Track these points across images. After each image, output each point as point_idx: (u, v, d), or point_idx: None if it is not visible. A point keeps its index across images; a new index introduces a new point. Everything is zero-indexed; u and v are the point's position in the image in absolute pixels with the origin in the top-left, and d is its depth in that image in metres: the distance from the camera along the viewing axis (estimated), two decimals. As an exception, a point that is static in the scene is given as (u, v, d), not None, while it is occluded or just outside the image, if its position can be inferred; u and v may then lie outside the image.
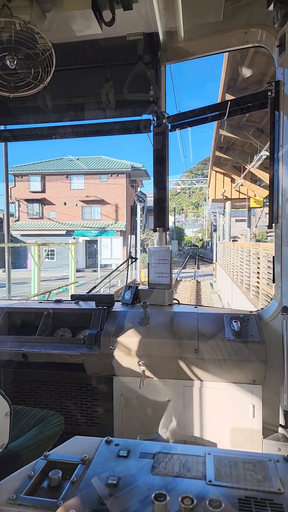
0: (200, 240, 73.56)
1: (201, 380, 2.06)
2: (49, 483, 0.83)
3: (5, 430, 1.44)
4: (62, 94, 2.71)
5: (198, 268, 32.37)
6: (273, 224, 2.13)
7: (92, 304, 2.52)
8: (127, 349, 2.11)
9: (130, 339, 2.13)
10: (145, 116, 2.67)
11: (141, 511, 0.73)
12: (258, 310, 2.29)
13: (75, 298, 2.64)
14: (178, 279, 22.59)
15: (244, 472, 0.84)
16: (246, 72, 8.12)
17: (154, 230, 2.70)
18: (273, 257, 2.19)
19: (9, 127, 3.05)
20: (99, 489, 0.79)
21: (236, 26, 2.19)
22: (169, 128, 2.61)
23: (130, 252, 2.84)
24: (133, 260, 3.04)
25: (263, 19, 2.10)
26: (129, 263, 2.97)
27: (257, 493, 0.78)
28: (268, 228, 2.21)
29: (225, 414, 2.03)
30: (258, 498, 0.76)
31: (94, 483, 0.81)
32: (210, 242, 52.48)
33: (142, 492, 0.78)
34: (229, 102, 2.36)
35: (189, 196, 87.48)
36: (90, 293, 2.97)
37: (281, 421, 2.07)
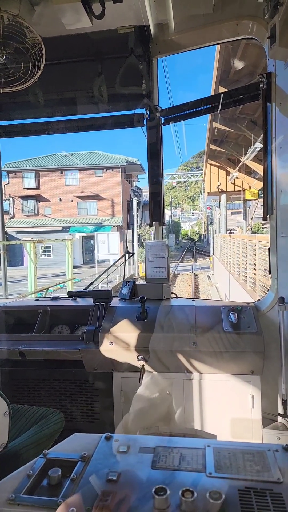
0: (197, 234, 73.52)
1: (200, 373, 2.08)
2: (48, 482, 0.83)
3: (4, 429, 1.44)
4: (54, 89, 2.68)
5: (196, 261, 32.39)
6: (268, 216, 2.14)
7: (89, 301, 2.52)
8: (125, 344, 2.11)
9: (128, 334, 2.13)
10: (138, 110, 2.65)
11: (142, 506, 0.73)
12: (255, 302, 2.30)
13: (72, 294, 2.64)
14: (176, 272, 22.62)
15: (244, 463, 0.85)
16: (239, 64, 8.06)
17: (150, 225, 2.69)
18: (269, 248, 2.20)
19: (0, 123, 3.02)
20: (97, 487, 0.79)
21: (227, 18, 2.17)
22: (163, 121, 2.59)
23: (127, 247, 2.84)
24: (130, 255, 3.04)
25: (254, 10, 2.08)
26: (126, 258, 2.97)
27: (257, 483, 0.78)
28: (263, 220, 2.21)
29: (224, 405, 2.05)
30: (258, 488, 0.77)
31: (92, 481, 0.81)
32: (206, 235, 52.48)
33: (143, 487, 0.78)
34: (222, 95, 2.34)
35: (185, 189, 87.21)
36: (87, 289, 2.97)
37: (280, 410, 2.10)
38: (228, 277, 12.64)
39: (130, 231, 19.70)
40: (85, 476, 0.83)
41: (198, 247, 49.93)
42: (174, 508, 0.71)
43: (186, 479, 0.80)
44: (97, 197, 30.53)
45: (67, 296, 2.71)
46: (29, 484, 0.82)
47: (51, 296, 2.79)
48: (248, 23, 2.12)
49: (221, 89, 9.32)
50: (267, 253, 2.21)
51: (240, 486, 0.78)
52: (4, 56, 1.93)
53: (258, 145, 11.06)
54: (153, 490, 0.74)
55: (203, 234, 64.53)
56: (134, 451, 0.92)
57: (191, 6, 1.99)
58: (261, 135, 10.85)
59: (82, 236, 30.02)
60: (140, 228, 25.53)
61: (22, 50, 1.97)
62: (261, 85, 2.07)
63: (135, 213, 22.25)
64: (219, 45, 6.58)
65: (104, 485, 0.79)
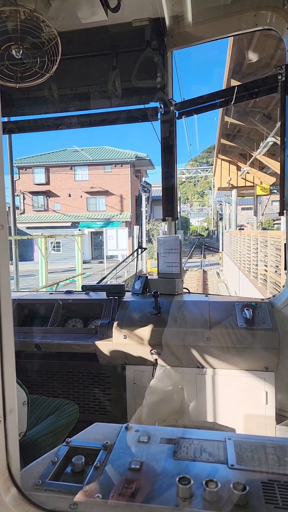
0: (205, 230, 72.99)
1: (214, 368, 2.08)
2: (72, 469, 0.84)
3: (23, 418, 1.47)
4: (67, 84, 2.68)
5: (204, 257, 32.26)
6: (284, 211, 2.11)
7: (102, 295, 2.53)
8: (139, 338, 2.13)
9: (142, 328, 2.15)
10: (152, 104, 2.63)
11: (166, 494, 0.74)
12: (269, 298, 2.28)
13: (86, 288, 2.66)
14: (185, 268, 22.59)
15: (266, 456, 0.85)
16: (253, 57, 7.92)
17: (163, 220, 2.69)
18: (285, 244, 2.18)
19: (13, 118, 3.03)
20: (121, 474, 0.80)
21: (245, 9, 2.13)
22: (177, 115, 2.57)
23: (140, 242, 2.84)
24: (142, 250, 3.04)
25: (273, 1, 2.04)
26: (139, 252, 2.97)
27: (280, 476, 0.78)
28: (279, 215, 2.19)
29: (238, 401, 2.05)
30: (282, 481, 0.77)
31: (116, 469, 0.82)
32: (216, 231, 52.13)
33: (165, 476, 0.79)
34: (238, 88, 2.31)
35: (194, 185, 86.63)
36: (100, 284, 2.99)
37: None
38: (238, 273, 12.56)
39: (138, 227, 19.71)
40: (108, 464, 0.84)
41: (207, 243, 49.67)
42: (198, 498, 0.72)
43: (208, 470, 0.81)
44: (106, 193, 30.55)
45: (80, 290, 2.74)
46: (54, 470, 0.83)
47: (64, 290, 2.82)
48: (267, 14, 2.09)
49: (234, 82, 9.17)
50: (280, 250, 2.19)
51: (263, 478, 0.78)
52: (21, 51, 1.94)
53: (271, 139, 10.90)
54: (177, 479, 0.74)
55: (212, 230, 64.07)
56: (155, 441, 0.93)
57: None
58: (274, 129, 10.68)
59: (91, 232, 30.14)
60: (148, 223, 25.50)
61: (39, 44, 1.98)
62: (279, 77, 2.04)
63: (143, 209, 22.24)
64: (233, 37, 6.48)
65: (127, 473, 0.80)
